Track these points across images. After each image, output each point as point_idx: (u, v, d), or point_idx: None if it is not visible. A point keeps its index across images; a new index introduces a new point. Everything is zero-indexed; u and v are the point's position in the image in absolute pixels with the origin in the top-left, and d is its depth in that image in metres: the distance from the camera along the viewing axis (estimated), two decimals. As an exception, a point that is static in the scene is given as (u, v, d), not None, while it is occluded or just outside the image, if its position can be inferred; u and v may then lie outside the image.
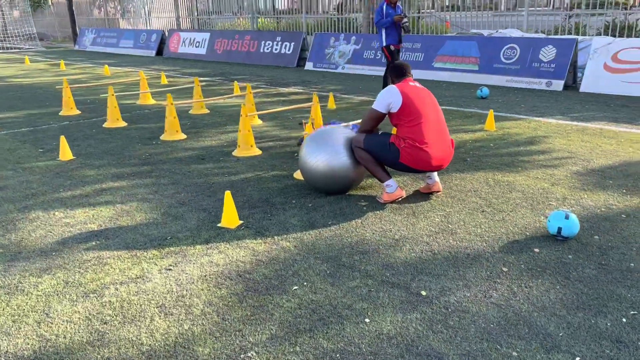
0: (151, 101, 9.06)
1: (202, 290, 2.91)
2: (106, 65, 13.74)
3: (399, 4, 8.32)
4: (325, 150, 4.14)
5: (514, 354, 2.32)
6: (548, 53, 9.65)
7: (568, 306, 2.67)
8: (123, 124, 7.25)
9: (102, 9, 26.14)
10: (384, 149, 4.02)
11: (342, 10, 15.84)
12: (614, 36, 10.37)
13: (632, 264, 3.07)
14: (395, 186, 4.07)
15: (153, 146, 6.08)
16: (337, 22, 15.53)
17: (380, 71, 12.01)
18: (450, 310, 2.67)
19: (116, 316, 2.68)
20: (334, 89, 10.12)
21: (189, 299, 2.83)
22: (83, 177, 4.96)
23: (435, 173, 4.27)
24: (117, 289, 2.94)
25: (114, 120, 7.21)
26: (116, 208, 4.16)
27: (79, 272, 3.15)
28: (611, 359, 2.27)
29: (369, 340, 2.44)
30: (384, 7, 8.17)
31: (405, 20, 8.05)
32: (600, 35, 10.82)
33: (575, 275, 2.97)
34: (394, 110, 3.97)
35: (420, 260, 3.20)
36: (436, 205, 4.07)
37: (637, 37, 10.41)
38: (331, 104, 8.18)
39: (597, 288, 2.83)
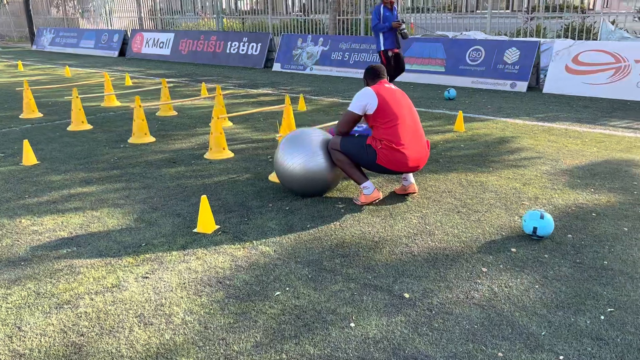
0: (116, 103, 8.83)
1: (182, 298, 2.84)
2: (67, 66, 13.34)
3: (395, 5, 8.19)
4: (302, 152, 4.11)
5: (500, 354, 2.34)
6: (512, 55, 9.87)
7: (548, 305, 2.72)
8: (88, 126, 7.04)
9: (61, 8, 25.37)
10: (360, 151, 4.02)
11: (307, 12, 15.82)
12: (573, 39, 10.69)
13: (606, 262, 3.15)
14: (372, 188, 4.07)
15: (121, 149, 5.92)
16: (304, 23, 15.50)
17: (348, 72, 12.04)
18: (434, 312, 2.68)
19: (93, 327, 2.58)
20: (304, 90, 10.09)
21: (169, 307, 2.75)
22: (49, 183, 4.79)
23: (411, 174, 4.29)
24: (92, 299, 2.84)
25: (79, 123, 7.00)
26: (86, 214, 4.03)
27: (51, 282, 3.02)
28: (593, 356, 2.32)
29: (356, 345, 2.42)
30: (381, 9, 8.02)
31: (403, 26, 7.93)
32: (560, 37, 11.14)
33: (553, 274, 3.03)
34: (370, 112, 3.97)
35: (400, 262, 3.20)
36: (412, 207, 4.09)
37: (595, 39, 10.76)
38: (302, 106, 8.15)
39: (575, 286, 2.89)
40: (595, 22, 11.77)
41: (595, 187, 4.44)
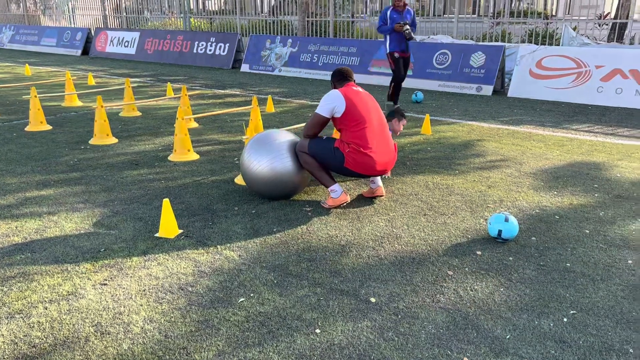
0: (78, 103, 8.58)
1: (142, 305, 2.74)
2: (27, 65, 12.91)
3: (409, 7, 7.80)
4: (269, 154, 4.05)
5: (465, 359, 2.33)
6: (478, 59, 10.01)
7: (512, 308, 2.72)
8: (48, 127, 6.80)
9: (21, 5, 24.59)
10: (328, 154, 3.98)
11: (276, 13, 15.75)
12: (537, 44, 10.92)
13: (568, 264, 3.19)
14: (340, 191, 4.04)
15: (82, 151, 5.74)
16: (272, 24, 15.41)
17: (317, 74, 12.02)
18: (400, 316, 2.65)
19: (46, 338, 2.46)
20: (272, 91, 10.01)
21: (127, 316, 2.65)
22: (4, 186, 4.59)
23: (379, 177, 4.28)
24: (46, 308, 2.71)
25: (37, 123, 6.76)
26: (43, 219, 3.87)
27: (2, 290, 2.88)
28: (556, 359, 2.33)
29: (321, 352, 2.38)
30: (388, 12, 7.72)
31: (406, 28, 7.57)
32: (525, 42, 11.36)
33: (517, 277, 3.04)
34: (338, 115, 3.94)
35: (367, 266, 3.17)
36: (380, 210, 4.07)
37: (557, 45, 11.01)
38: (270, 108, 8.08)
39: (538, 289, 2.91)
40: (557, 28, 12.06)
41: (558, 190, 4.51)
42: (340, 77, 4.17)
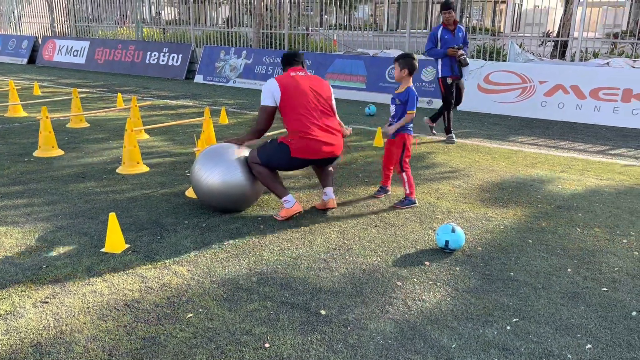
0: (22, 113, 8.26)
1: (85, 323, 2.65)
2: (-33, 73, 12.36)
3: (460, 25, 6.95)
4: (220, 165, 4.01)
5: (412, 368, 2.36)
6: (429, 73, 10.27)
7: (458, 317, 2.79)
8: (-12, 138, 6.52)
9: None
10: (275, 152, 4.01)
11: (231, 24, 15.70)
12: (484, 59, 11.31)
13: (512, 273, 3.30)
14: (293, 202, 4.05)
15: (25, 164, 5.52)
16: (227, 35, 15.35)
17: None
18: (349, 328, 2.67)
19: (-20, 361, 2.35)
20: (227, 103, 9.94)
21: (70, 334, 2.56)
22: (-62, 200, 4.36)
23: (332, 190, 4.31)
24: (-19, 329, 2.58)
25: (-23, 134, 6.47)
26: (-20, 235, 3.70)
27: None
28: (499, 366, 2.40)
29: (270, 367, 2.36)
30: (439, 32, 6.87)
31: (461, 53, 6.75)
32: (473, 58, 11.74)
33: (463, 286, 3.12)
34: (278, 102, 4.00)
35: (318, 278, 3.18)
36: (332, 221, 4.10)
37: (504, 61, 11.43)
38: (223, 119, 8.02)
39: (483, 298, 3.00)
40: (504, 45, 12.53)
41: (503, 201, 4.67)
42: (285, 62, 4.23)
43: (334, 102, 4.23)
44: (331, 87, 4.29)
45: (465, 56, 6.82)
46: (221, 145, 4.22)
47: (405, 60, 4.47)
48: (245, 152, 4.20)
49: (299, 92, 3.99)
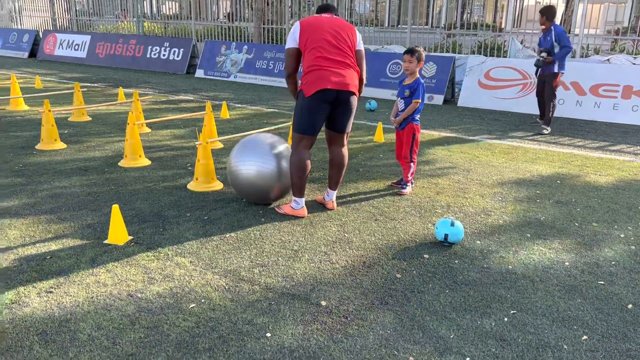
0: (24, 107, 8.29)
1: (89, 313, 2.70)
2: (-31, 66, 12.39)
3: (552, 26, 7.43)
4: (255, 156, 4.12)
5: (411, 358, 2.41)
6: (429, 69, 10.29)
7: (457, 309, 2.83)
8: (-9, 131, 6.56)
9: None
10: (297, 109, 4.01)
11: (232, 19, 15.70)
12: (486, 55, 11.33)
13: (510, 267, 3.34)
14: (302, 206, 4.07)
15: (27, 156, 5.56)
16: (228, 30, 15.35)
17: (274, 82, 12.04)
18: (349, 318, 2.71)
19: (-13, 348, 2.39)
20: (227, 97, 9.97)
21: (74, 323, 2.60)
22: (-58, 192, 4.40)
23: (334, 193, 4.27)
24: (-13, 318, 2.63)
25: (-20, 127, 6.50)
26: (-16, 226, 3.74)
27: (-60, 300, 2.77)
28: (496, 356, 2.44)
29: (271, 355, 2.41)
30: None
31: (541, 54, 7.49)
32: (474, 54, 11.77)
33: (462, 279, 3.16)
34: (298, 41, 3.98)
35: (319, 270, 3.22)
36: (332, 215, 4.14)
37: (505, 57, 11.45)
38: (224, 114, 8.05)
39: (482, 290, 3.04)
40: (505, 41, 12.54)
41: (502, 196, 4.70)
42: (318, 11, 4.23)
43: (359, 47, 4.09)
44: (358, 35, 4.14)
45: (539, 58, 7.52)
46: (259, 136, 4.28)
47: (418, 53, 4.54)
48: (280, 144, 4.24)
49: (317, 28, 3.96)
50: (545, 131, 7.56)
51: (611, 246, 3.69)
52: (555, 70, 7.46)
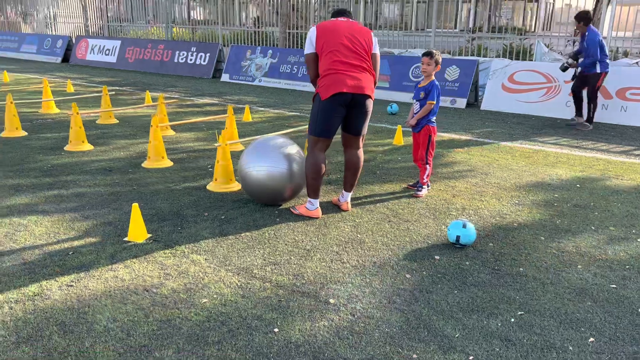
0: (55, 110, 8.59)
1: (106, 306, 2.82)
2: (5, 71, 12.86)
3: (588, 31, 7.62)
4: (266, 159, 4.20)
5: (414, 356, 2.44)
6: (452, 73, 10.26)
7: (464, 309, 2.85)
8: (23, 133, 6.82)
9: (1, 12, 24.43)
10: (313, 112, 4.07)
11: (259, 24, 15.92)
12: (511, 59, 11.22)
13: (522, 269, 3.34)
14: (316, 206, 4.14)
15: (56, 157, 5.78)
16: (254, 35, 15.57)
17: (297, 85, 12.16)
18: (356, 316, 2.76)
19: (9, 336, 2.52)
20: (251, 101, 10.13)
21: (92, 315, 2.72)
22: (-25, 190, 4.62)
23: (349, 195, 4.33)
24: (11, 308, 2.77)
25: (13, 129, 6.77)
26: (12, 222, 3.92)
27: (-32, 291, 2.93)
28: (500, 356, 2.46)
29: (278, 350, 2.48)
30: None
31: (567, 60, 8.03)
32: (499, 57, 11.67)
33: (472, 280, 3.18)
34: (315, 46, 4.05)
35: (329, 269, 3.28)
36: (347, 216, 4.19)
37: (531, 60, 11.33)
38: (247, 117, 8.19)
39: (490, 291, 3.05)
40: (532, 44, 12.40)
41: (519, 199, 4.68)
42: (333, 15, 4.30)
43: (375, 50, 4.13)
44: (374, 38, 4.17)
45: (563, 64, 8.07)
46: (270, 139, 4.37)
47: (436, 56, 4.58)
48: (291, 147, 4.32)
49: (333, 32, 4.02)
50: (586, 129, 7.86)
51: (626, 250, 3.65)
52: (598, 70, 7.64)
